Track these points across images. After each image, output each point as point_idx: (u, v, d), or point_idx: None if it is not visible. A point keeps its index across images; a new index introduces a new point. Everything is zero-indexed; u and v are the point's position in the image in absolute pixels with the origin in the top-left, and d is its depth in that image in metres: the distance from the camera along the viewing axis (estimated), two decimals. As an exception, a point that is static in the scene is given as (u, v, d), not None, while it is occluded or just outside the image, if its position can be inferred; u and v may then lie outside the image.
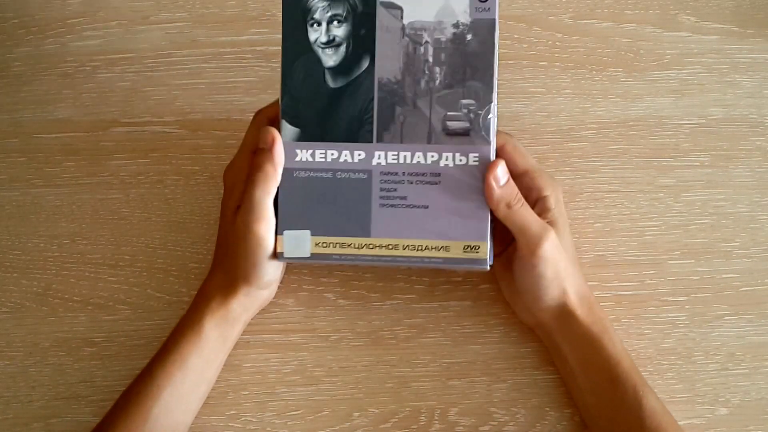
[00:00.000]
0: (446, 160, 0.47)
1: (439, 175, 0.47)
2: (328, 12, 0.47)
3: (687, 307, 0.55)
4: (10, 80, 0.59)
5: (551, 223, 0.48)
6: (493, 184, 0.46)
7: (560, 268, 0.47)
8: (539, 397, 0.53)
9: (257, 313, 0.53)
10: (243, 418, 0.53)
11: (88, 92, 0.59)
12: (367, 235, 0.47)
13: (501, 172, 0.46)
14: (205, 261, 0.55)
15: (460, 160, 0.47)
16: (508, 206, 0.46)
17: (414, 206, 0.47)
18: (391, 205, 0.47)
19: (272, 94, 0.49)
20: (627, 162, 0.57)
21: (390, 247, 0.47)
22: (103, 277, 0.56)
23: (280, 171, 0.47)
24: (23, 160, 0.58)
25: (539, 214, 0.48)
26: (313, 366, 0.54)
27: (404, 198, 0.47)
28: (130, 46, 0.59)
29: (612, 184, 0.57)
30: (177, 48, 0.59)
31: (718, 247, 0.56)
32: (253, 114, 0.50)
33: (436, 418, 0.53)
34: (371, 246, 0.47)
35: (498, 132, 0.48)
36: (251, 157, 0.48)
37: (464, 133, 0.47)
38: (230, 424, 0.53)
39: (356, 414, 0.53)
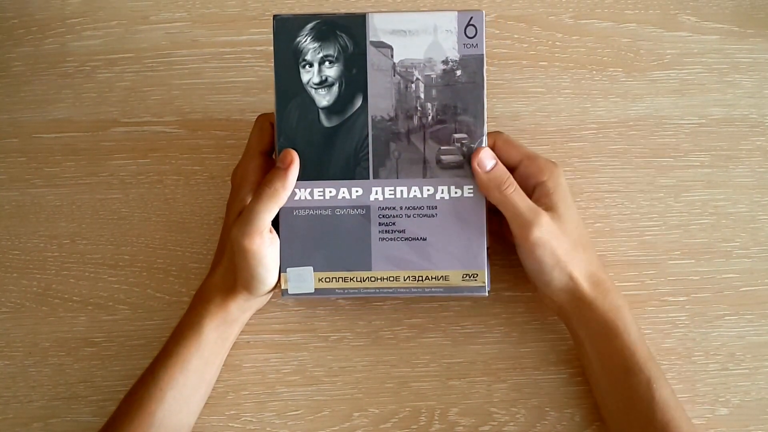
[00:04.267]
0: (442, 192, 0.48)
1: (435, 207, 0.48)
2: (319, 53, 0.48)
3: (687, 307, 0.55)
4: (10, 80, 0.59)
5: (551, 208, 0.47)
6: (479, 169, 0.47)
7: (560, 253, 0.47)
8: (539, 397, 0.53)
9: (257, 313, 0.53)
10: (243, 418, 0.53)
11: (87, 92, 0.58)
12: (368, 268, 0.48)
13: (485, 155, 0.47)
14: (205, 261, 0.55)
15: (456, 193, 0.48)
16: (500, 191, 0.47)
17: (413, 239, 0.48)
18: (391, 239, 0.48)
19: (272, 94, 0.49)
20: (627, 162, 0.57)
21: (391, 279, 0.48)
22: (103, 277, 0.56)
23: (288, 192, 0.47)
24: (23, 160, 0.58)
25: (539, 200, 0.48)
26: (313, 366, 0.54)
27: (402, 231, 0.48)
28: (130, 46, 0.59)
29: (612, 184, 0.57)
30: (177, 48, 0.59)
31: (718, 247, 0.56)
32: (253, 114, 0.50)
33: (436, 418, 0.53)
34: (373, 279, 0.49)
35: (488, 133, 0.49)
36: (260, 162, 0.49)
37: (458, 166, 0.48)
38: (230, 424, 0.53)
39: (356, 414, 0.53)
